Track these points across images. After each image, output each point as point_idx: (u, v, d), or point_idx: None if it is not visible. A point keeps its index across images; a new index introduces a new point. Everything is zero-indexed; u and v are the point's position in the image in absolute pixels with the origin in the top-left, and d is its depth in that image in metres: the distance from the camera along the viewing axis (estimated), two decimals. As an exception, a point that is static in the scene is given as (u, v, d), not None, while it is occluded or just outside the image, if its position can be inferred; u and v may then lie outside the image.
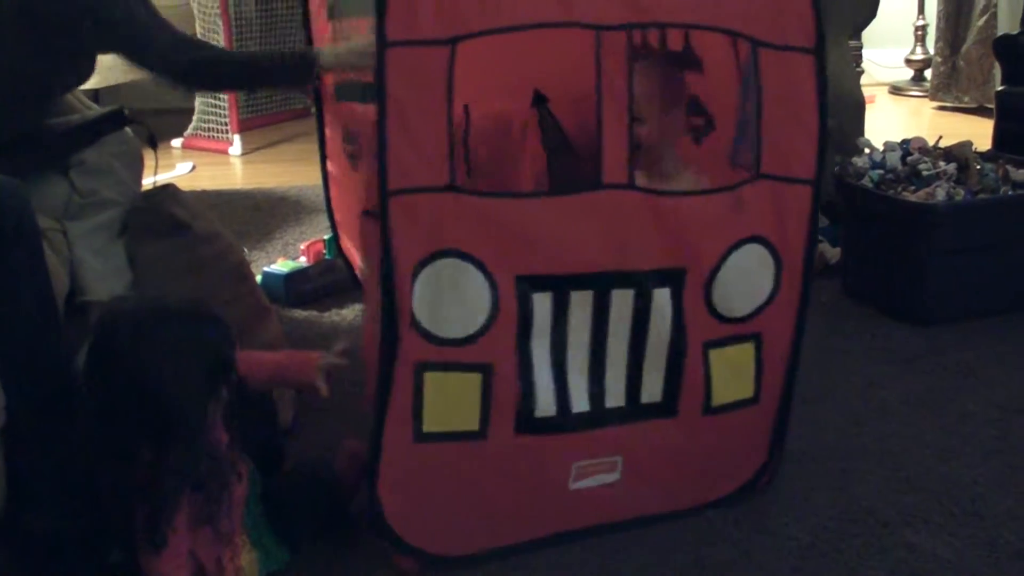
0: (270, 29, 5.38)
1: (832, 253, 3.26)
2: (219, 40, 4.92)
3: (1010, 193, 2.95)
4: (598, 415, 1.89)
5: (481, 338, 1.78)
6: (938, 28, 5.80)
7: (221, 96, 5.04)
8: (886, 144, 3.15)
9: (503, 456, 1.85)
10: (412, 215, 1.71)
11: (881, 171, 3.03)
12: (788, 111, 1.90)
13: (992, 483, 2.13)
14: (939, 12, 5.78)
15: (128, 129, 2.53)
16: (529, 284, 1.78)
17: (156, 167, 2.57)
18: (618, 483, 1.95)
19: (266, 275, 3.12)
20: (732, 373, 1.96)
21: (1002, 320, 2.92)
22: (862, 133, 3.54)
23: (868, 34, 4.89)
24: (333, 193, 3.06)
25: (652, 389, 1.92)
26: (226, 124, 5.11)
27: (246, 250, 3.24)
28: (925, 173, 2.97)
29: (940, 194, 2.87)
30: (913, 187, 2.95)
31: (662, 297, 1.87)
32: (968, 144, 3.11)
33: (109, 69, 4.57)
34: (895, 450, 2.26)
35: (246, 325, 2.30)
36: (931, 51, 6.00)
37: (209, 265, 2.38)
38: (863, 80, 4.47)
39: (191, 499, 1.66)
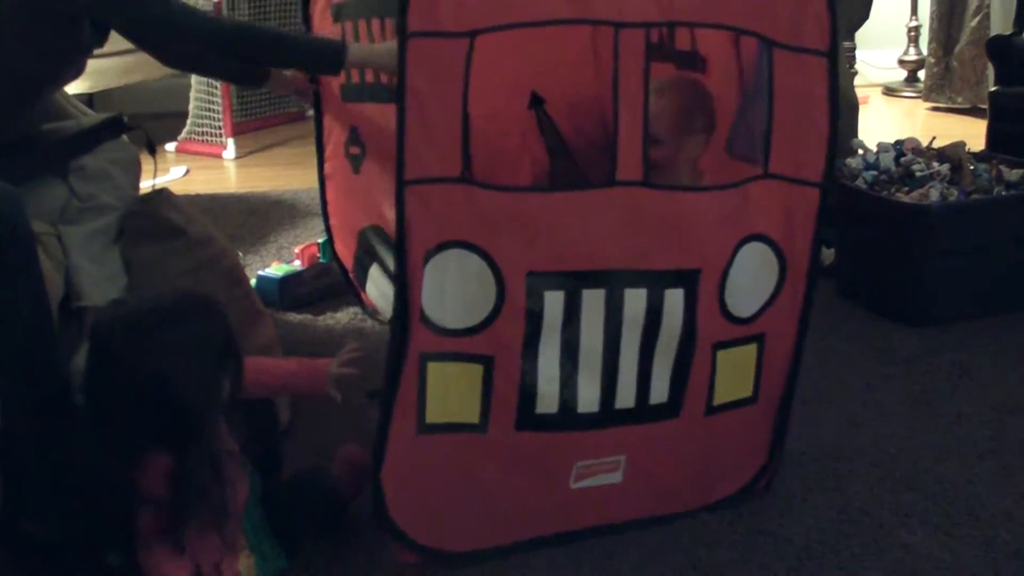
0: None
1: (826, 254, 3.26)
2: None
3: (1003, 193, 2.95)
4: (606, 416, 1.88)
5: (484, 330, 1.77)
6: (931, 29, 5.80)
7: (215, 100, 5.03)
8: (880, 145, 3.15)
9: (504, 452, 1.85)
10: (425, 205, 1.71)
11: (875, 172, 3.03)
12: (799, 113, 1.90)
13: (988, 483, 2.13)
14: (932, 13, 5.79)
15: (125, 135, 2.53)
16: (540, 280, 1.78)
17: (155, 173, 2.57)
18: (621, 485, 1.94)
19: (260, 279, 3.11)
20: (734, 373, 1.96)
21: (996, 320, 2.93)
22: (856, 134, 3.53)
23: (861, 35, 4.91)
24: (330, 197, 3.06)
25: (659, 390, 1.91)
26: (220, 128, 5.10)
27: (240, 254, 3.23)
28: (919, 174, 2.97)
29: (934, 195, 2.87)
30: (907, 188, 2.95)
31: (674, 298, 1.86)
32: (961, 145, 3.12)
33: (103, 73, 4.59)
34: (891, 451, 2.26)
35: (240, 329, 2.28)
36: (924, 52, 6.01)
37: (203, 269, 2.37)
38: (857, 81, 4.49)
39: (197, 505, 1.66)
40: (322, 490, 1.94)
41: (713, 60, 2.29)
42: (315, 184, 3.12)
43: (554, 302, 1.79)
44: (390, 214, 2.03)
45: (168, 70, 3.73)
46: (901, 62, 6.36)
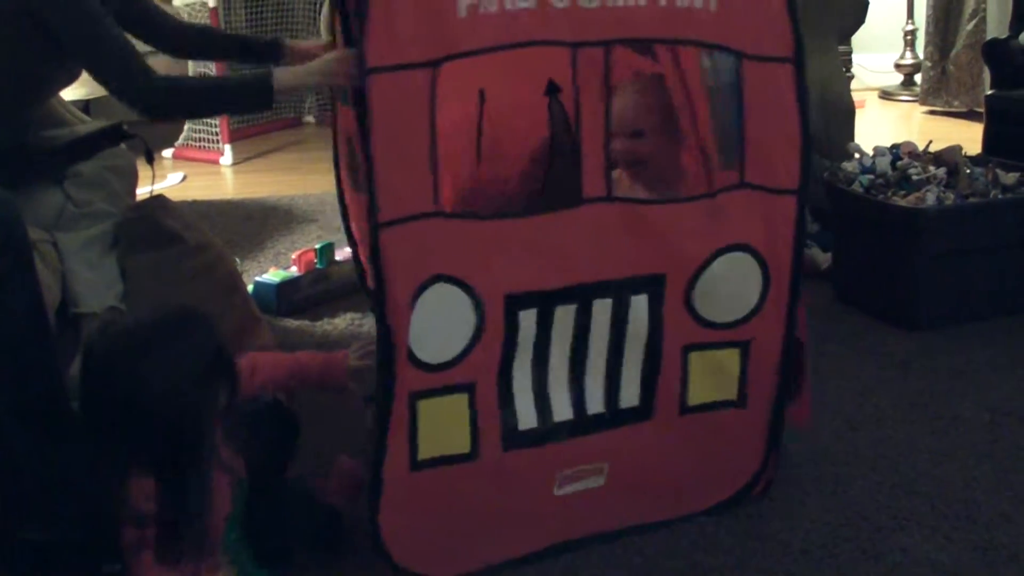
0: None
1: (823, 258, 3.27)
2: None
3: (1000, 197, 2.96)
4: (580, 423, 1.89)
5: (465, 358, 1.78)
6: (927, 33, 5.80)
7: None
8: (876, 149, 3.15)
9: (494, 473, 1.85)
10: (405, 245, 1.70)
11: (871, 176, 3.03)
12: (770, 121, 1.90)
13: (985, 486, 2.13)
14: (928, 17, 5.79)
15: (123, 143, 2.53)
16: (517, 301, 1.79)
17: (153, 180, 2.57)
18: (607, 491, 1.94)
19: (258, 285, 3.11)
20: (712, 374, 1.96)
21: (993, 324, 2.93)
22: (852, 138, 3.55)
23: (858, 39, 4.91)
24: (349, 200, 2.98)
25: (630, 393, 1.92)
26: (217, 134, 5.10)
27: (237, 260, 3.23)
28: (915, 178, 2.97)
29: (930, 198, 2.88)
30: (903, 192, 2.95)
31: (639, 303, 1.87)
32: (958, 148, 3.12)
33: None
34: (888, 454, 2.26)
35: (237, 335, 2.29)
36: (921, 56, 6.01)
37: (200, 275, 2.38)
38: (853, 85, 4.48)
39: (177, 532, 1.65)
40: (313, 504, 1.93)
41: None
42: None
43: (528, 321, 1.81)
44: None
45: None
46: (897, 66, 6.37)
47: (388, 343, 1.72)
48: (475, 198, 2.45)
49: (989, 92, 3.97)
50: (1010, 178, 2.99)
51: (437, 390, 1.77)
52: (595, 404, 1.90)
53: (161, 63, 3.04)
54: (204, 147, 5.16)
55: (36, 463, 1.81)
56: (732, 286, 1.93)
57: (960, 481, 2.16)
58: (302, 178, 4.61)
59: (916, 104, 6.04)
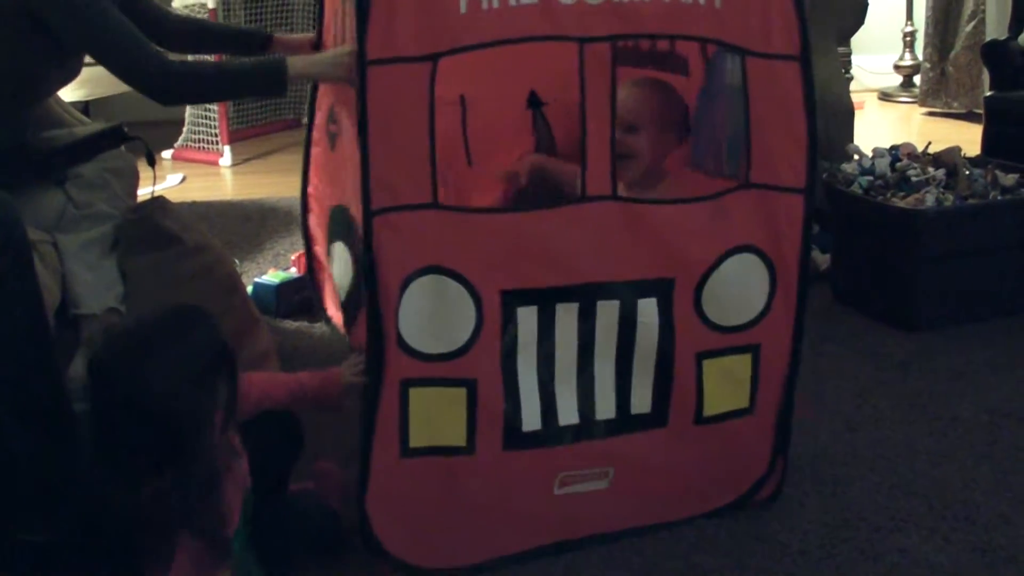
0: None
1: (822, 259, 3.27)
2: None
3: (999, 198, 2.96)
4: (587, 427, 1.89)
5: (466, 353, 1.78)
6: (927, 34, 5.81)
7: (211, 107, 5.03)
8: (875, 150, 3.16)
9: (493, 471, 1.85)
10: (396, 233, 1.71)
11: (870, 177, 3.03)
12: (776, 120, 1.89)
13: (984, 487, 2.14)
14: (927, 18, 5.79)
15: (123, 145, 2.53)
16: (514, 298, 1.79)
17: (154, 182, 2.57)
18: (610, 493, 1.94)
19: (257, 286, 3.11)
20: (727, 383, 1.96)
21: (992, 325, 2.93)
22: (851, 139, 3.55)
23: (857, 40, 4.90)
24: (312, 164, 2.97)
25: (642, 400, 1.91)
26: (216, 135, 5.10)
27: (237, 261, 3.23)
28: (914, 179, 2.98)
29: (929, 200, 2.88)
30: (902, 193, 2.96)
31: (648, 307, 1.87)
32: (957, 150, 3.12)
33: (98, 81, 4.58)
34: (887, 455, 2.26)
35: (236, 336, 2.29)
36: (920, 57, 6.01)
37: (199, 277, 2.38)
38: (852, 86, 4.48)
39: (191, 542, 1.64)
40: (316, 509, 1.93)
41: (693, 65, 2.29)
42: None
43: (528, 318, 1.80)
44: (353, 199, 2.02)
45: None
46: (897, 67, 6.37)
47: (377, 329, 1.73)
48: (470, 195, 2.46)
49: (988, 93, 3.97)
50: (1009, 179, 3.00)
51: (433, 380, 1.78)
52: (605, 409, 1.90)
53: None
54: (203, 148, 5.16)
55: (35, 464, 1.81)
56: (740, 288, 1.92)
57: (959, 482, 2.16)
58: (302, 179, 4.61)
59: (915, 105, 6.04)
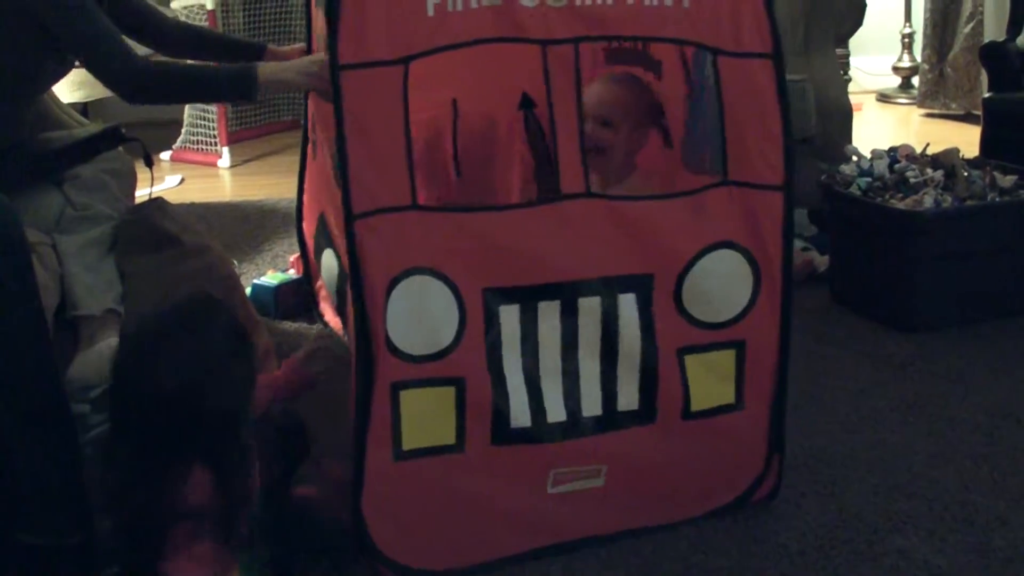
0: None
1: (821, 261, 3.27)
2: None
3: (997, 200, 2.96)
4: (575, 424, 1.89)
5: (452, 352, 1.80)
6: (925, 35, 5.81)
7: (210, 108, 5.03)
8: (874, 152, 3.16)
9: (482, 468, 1.85)
10: (378, 236, 1.73)
11: (869, 179, 3.04)
12: (751, 117, 1.91)
13: (982, 489, 2.14)
14: (926, 19, 5.79)
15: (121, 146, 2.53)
16: (496, 296, 1.80)
17: (152, 183, 2.57)
18: (606, 493, 1.95)
19: (256, 287, 3.11)
20: (712, 379, 1.97)
21: (990, 326, 2.93)
22: (850, 141, 3.55)
23: (855, 42, 4.90)
24: (308, 173, 2.98)
25: (628, 396, 1.92)
26: (215, 136, 5.10)
27: (235, 262, 3.23)
28: (913, 180, 2.98)
29: (928, 201, 2.88)
30: (901, 194, 2.96)
31: (627, 303, 1.88)
32: (955, 151, 3.13)
33: (96, 82, 4.58)
34: (885, 456, 2.26)
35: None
36: (918, 58, 6.02)
37: (198, 278, 2.37)
38: (850, 88, 4.48)
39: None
40: (314, 508, 1.93)
41: (665, 66, 2.30)
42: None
43: (510, 316, 1.82)
44: (329, 206, 2.02)
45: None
46: (895, 69, 6.37)
47: (364, 333, 1.74)
48: (478, 180, 2.48)
49: (987, 95, 3.97)
50: (1007, 181, 3.00)
51: (421, 381, 1.78)
52: (592, 406, 1.90)
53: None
54: (202, 149, 5.15)
55: (35, 465, 1.81)
56: (722, 285, 1.93)
57: (957, 483, 2.16)
58: (300, 180, 4.60)
59: (914, 107, 6.04)
